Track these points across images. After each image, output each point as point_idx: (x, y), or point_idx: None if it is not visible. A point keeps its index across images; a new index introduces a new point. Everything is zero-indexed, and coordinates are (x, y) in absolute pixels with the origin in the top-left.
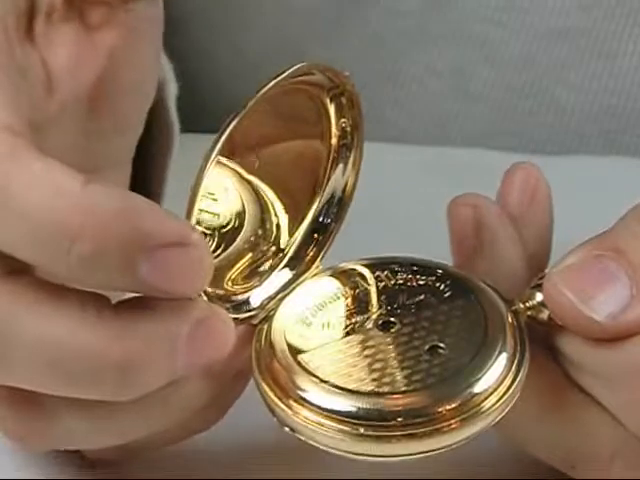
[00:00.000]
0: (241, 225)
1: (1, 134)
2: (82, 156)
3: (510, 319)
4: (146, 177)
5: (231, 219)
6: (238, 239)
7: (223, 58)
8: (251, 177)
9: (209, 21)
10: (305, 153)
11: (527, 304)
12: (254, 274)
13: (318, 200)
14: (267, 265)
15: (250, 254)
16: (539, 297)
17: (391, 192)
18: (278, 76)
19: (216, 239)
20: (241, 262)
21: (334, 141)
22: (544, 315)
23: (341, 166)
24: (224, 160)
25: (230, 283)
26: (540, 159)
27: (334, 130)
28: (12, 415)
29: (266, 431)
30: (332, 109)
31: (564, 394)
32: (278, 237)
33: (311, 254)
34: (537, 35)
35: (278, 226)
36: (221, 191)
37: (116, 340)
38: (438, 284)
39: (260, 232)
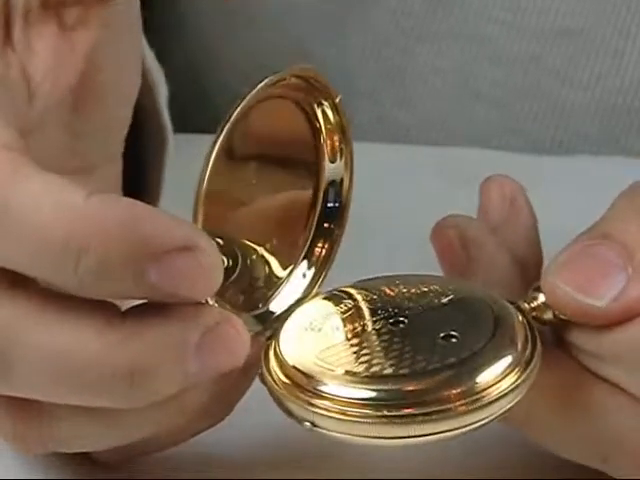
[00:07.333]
0: (235, 260)
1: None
2: (71, 156)
3: (518, 315)
4: (142, 181)
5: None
6: (237, 270)
7: (228, 58)
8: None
9: (214, 21)
10: (297, 176)
11: (531, 305)
12: (261, 294)
13: (318, 209)
14: (274, 282)
15: (255, 276)
16: (542, 298)
17: (393, 192)
18: (255, 87)
19: None
20: (246, 287)
21: (328, 144)
22: (549, 315)
23: (335, 171)
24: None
25: (239, 302)
26: (543, 159)
27: (324, 135)
28: (10, 420)
29: (274, 430)
30: (319, 112)
31: (585, 387)
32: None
33: (322, 258)
34: (542, 35)
35: (274, 254)
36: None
37: (124, 347)
38: (442, 289)
39: (260, 254)
